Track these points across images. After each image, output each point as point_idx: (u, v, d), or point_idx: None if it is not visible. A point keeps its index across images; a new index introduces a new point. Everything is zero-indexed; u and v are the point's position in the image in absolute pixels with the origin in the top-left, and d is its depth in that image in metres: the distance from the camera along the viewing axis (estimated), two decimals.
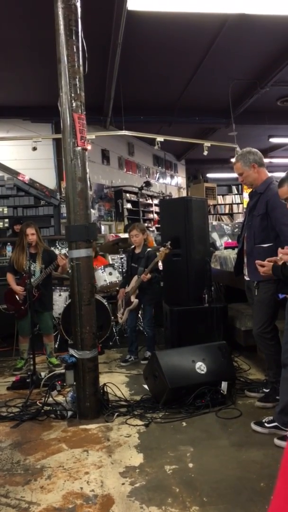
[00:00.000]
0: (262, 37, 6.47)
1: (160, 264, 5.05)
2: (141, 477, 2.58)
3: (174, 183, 14.95)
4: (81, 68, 3.44)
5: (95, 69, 6.05)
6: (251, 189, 3.64)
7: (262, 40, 6.56)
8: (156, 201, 12.28)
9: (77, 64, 3.40)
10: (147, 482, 2.53)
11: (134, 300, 4.82)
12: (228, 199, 14.29)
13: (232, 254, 4.77)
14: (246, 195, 13.09)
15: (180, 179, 15.49)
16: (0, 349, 5.58)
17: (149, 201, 12.34)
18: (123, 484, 2.53)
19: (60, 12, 3.36)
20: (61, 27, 3.35)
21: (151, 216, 12.37)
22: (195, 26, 6.01)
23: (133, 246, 5.08)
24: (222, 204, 14.09)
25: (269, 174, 3.54)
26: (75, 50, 3.38)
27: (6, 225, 8.81)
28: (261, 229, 3.39)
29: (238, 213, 13.88)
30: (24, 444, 3.09)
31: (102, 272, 5.80)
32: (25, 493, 2.48)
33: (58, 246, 7.64)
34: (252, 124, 10.19)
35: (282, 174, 2.91)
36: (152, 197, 12.40)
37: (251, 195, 3.62)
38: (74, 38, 3.37)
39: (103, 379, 3.92)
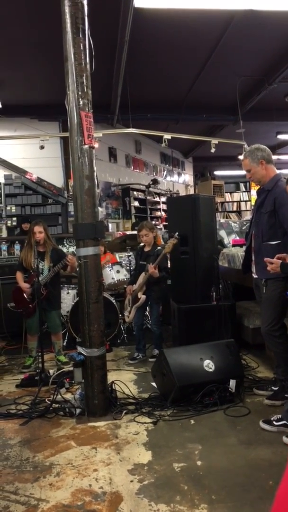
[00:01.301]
0: (269, 33, 6.42)
1: (168, 262, 5.04)
2: (149, 475, 2.59)
3: (182, 180, 14.92)
4: (88, 66, 3.44)
5: (102, 67, 6.06)
6: (258, 186, 3.63)
7: (270, 36, 6.52)
8: (163, 199, 12.28)
9: (84, 62, 3.40)
10: (155, 480, 2.53)
11: (141, 296, 4.81)
12: (236, 196, 14.20)
13: (240, 251, 4.75)
14: (254, 192, 13.02)
15: (187, 177, 15.46)
16: (9, 347, 5.61)
17: (157, 199, 12.33)
18: (131, 481, 2.53)
19: (67, 10, 3.35)
20: (68, 25, 3.35)
21: (158, 214, 12.36)
22: (202, 23, 5.98)
23: (142, 244, 5.07)
24: (229, 202, 14.01)
25: (277, 171, 3.52)
26: (82, 48, 3.38)
27: (14, 223, 8.85)
28: (269, 227, 3.38)
29: (246, 210, 13.79)
30: (33, 442, 3.11)
31: (110, 270, 5.80)
32: (34, 490, 2.49)
33: (66, 244, 7.67)
34: (260, 121, 10.14)
35: None
36: (159, 194, 12.39)
37: (259, 192, 3.61)
38: (81, 36, 3.37)
39: (111, 376, 3.94)
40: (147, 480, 2.54)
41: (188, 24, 5.99)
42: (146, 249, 4.98)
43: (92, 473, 2.65)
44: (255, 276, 3.59)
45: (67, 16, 3.35)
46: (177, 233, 4.58)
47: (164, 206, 12.11)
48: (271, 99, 8.84)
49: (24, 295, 4.68)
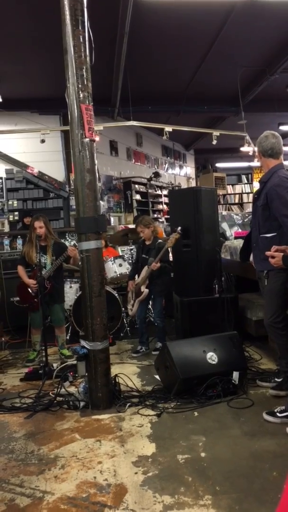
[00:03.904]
0: (270, 23, 6.36)
1: (170, 255, 5.04)
2: (153, 467, 2.60)
3: (183, 173, 14.87)
4: (88, 58, 3.42)
5: (102, 60, 6.02)
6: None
7: (271, 26, 6.45)
8: (165, 192, 12.24)
9: (83, 55, 3.38)
10: (159, 472, 2.55)
11: (144, 290, 4.82)
12: (238, 188, 14.18)
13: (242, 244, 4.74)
14: (256, 184, 12.99)
15: (189, 169, 15.40)
16: (13, 341, 5.63)
17: (158, 192, 12.30)
18: (136, 473, 2.55)
19: (66, 2, 3.32)
20: (67, 17, 3.33)
21: (160, 207, 12.33)
22: (202, 14, 5.93)
23: (143, 238, 5.07)
24: (231, 194, 13.99)
25: (280, 162, 3.46)
26: (81, 40, 3.36)
27: (16, 218, 8.85)
28: (265, 219, 3.36)
29: (248, 202, 13.78)
30: (37, 435, 3.12)
31: (112, 264, 5.81)
32: (39, 483, 2.51)
33: (68, 238, 7.66)
34: (261, 112, 10.07)
35: None
36: (161, 187, 12.35)
37: (259, 183, 3.60)
38: (80, 28, 3.34)
39: (114, 370, 3.95)
40: (152, 472, 2.55)
41: (188, 15, 5.94)
42: (147, 242, 4.98)
43: (97, 465, 2.66)
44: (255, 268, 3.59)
45: (66, 8, 3.33)
46: (179, 227, 4.57)
47: (166, 199, 12.09)
48: (272, 89, 8.77)
49: (29, 289, 4.69)
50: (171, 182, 13.16)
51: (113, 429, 3.13)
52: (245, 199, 14.02)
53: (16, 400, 3.77)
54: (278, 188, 3.20)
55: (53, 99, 8.11)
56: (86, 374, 3.53)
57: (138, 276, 4.97)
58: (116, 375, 3.74)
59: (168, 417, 3.26)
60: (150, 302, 5.28)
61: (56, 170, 9.16)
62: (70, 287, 5.72)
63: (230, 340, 3.81)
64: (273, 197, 3.22)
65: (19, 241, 7.58)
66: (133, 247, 6.05)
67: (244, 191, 14.13)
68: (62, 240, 5.64)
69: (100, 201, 7.61)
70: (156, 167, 12.63)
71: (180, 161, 14.62)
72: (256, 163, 12.70)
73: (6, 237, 8.02)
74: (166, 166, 13.54)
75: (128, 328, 5.79)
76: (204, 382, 3.50)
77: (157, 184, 12.03)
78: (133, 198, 10.78)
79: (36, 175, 8.99)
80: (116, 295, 5.67)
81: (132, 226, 8.33)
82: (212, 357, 3.62)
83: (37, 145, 7.52)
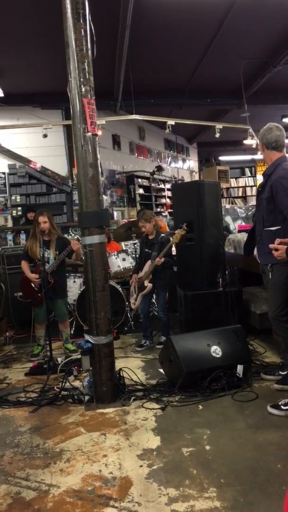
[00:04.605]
0: (273, 15, 6.31)
1: (173, 248, 5.03)
2: (158, 460, 2.62)
3: (186, 167, 14.83)
4: (89, 52, 3.40)
5: (104, 53, 5.99)
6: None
7: (273, 17, 6.40)
8: (168, 186, 12.22)
9: (85, 48, 3.35)
10: (164, 464, 2.56)
11: (148, 284, 4.82)
12: (241, 181, 14.10)
13: (246, 237, 4.72)
14: (259, 177, 12.93)
15: (192, 163, 15.36)
16: (17, 336, 5.65)
17: (161, 186, 12.27)
18: (141, 466, 2.56)
19: None
20: (68, 10, 3.30)
21: (163, 201, 12.31)
22: (204, 6, 5.89)
23: (145, 233, 5.06)
24: (235, 187, 13.91)
25: (284, 154, 3.44)
26: (83, 33, 3.33)
27: (20, 213, 8.86)
28: (269, 212, 3.34)
29: (252, 195, 13.71)
30: (43, 428, 3.14)
31: (116, 258, 5.81)
32: (45, 476, 2.53)
33: (71, 233, 7.66)
34: (264, 104, 10.02)
35: None
36: (164, 181, 12.32)
37: (262, 175, 3.57)
38: (81, 21, 3.32)
39: (119, 364, 3.96)
40: (156, 465, 2.57)
41: (190, 7, 5.89)
42: (150, 237, 4.98)
43: (102, 458, 2.68)
44: (259, 261, 3.58)
45: (67, 1, 3.30)
46: (185, 223, 4.57)
47: (169, 193, 12.06)
48: (276, 81, 8.72)
49: (32, 284, 4.70)
50: (174, 176, 13.12)
51: (117, 422, 3.15)
52: (248, 192, 13.94)
53: (21, 394, 3.79)
54: (283, 180, 3.18)
55: (55, 94, 8.11)
56: (91, 368, 3.54)
57: (141, 270, 4.96)
58: (120, 369, 3.76)
59: (172, 411, 3.27)
60: (154, 296, 5.28)
61: (58, 165, 9.16)
62: (74, 281, 5.72)
63: (234, 333, 3.81)
64: (278, 190, 3.20)
65: (23, 236, 7.59)
66: (136, 241, 6.05)
67: (247, 184, 14.05)
68: (65, 235, 5.64)
69: (103, 196, 7.60)
70: (159, 160, 12.60)
71: (183, 155, 14.57)
72: (259, 156, 12.66)
73: (9, 232, 8.04)
74: (169, 159, 13.51)
75: (132, 322, 5.80)
76: (208, 375, 3.51)
77: (160, 178, 12.00)
78: (136, 192, 10.76)
79: (39, 170, 8.99)
80: (120, 289, 5.68)
81: (135, 220, 8.32)
82: (216, 350, 3.63)
83: (40, 140, 7.51)
